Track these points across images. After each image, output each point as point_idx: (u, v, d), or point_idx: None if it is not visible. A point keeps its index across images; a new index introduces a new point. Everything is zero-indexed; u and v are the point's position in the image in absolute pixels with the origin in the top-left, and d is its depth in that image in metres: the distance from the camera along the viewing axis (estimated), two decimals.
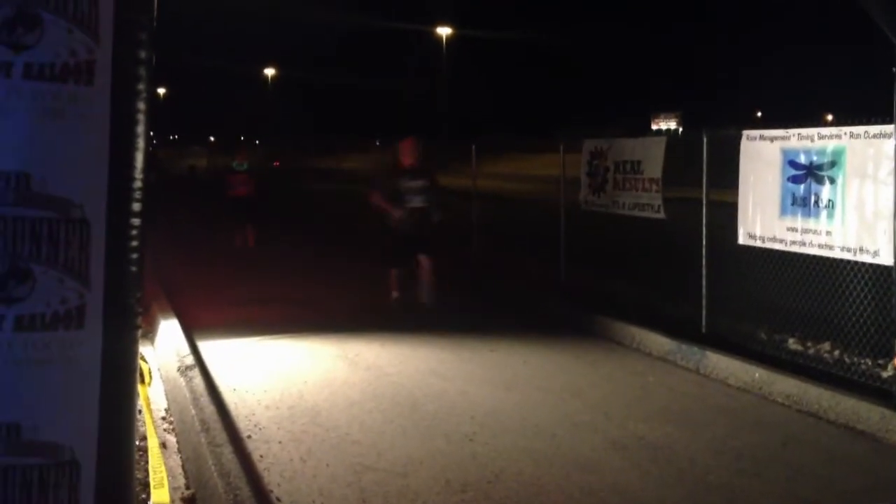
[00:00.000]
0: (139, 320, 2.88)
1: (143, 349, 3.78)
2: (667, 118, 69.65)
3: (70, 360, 2.58)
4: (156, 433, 4.00)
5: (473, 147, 14.18)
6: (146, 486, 4.43)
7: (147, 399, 3.68)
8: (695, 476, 5.18)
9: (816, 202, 7.12)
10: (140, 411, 3.72)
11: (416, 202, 9.74)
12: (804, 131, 7.30)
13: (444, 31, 55.52)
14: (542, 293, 10.70)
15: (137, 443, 4.11)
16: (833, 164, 6.96)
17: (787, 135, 7.48)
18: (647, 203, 9.55)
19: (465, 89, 74.33)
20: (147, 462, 4.78)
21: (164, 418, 6.25)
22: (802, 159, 7.27)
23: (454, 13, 64.19)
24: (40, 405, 2.55)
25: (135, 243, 2.74)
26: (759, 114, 69.76)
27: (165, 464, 4.77)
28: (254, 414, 6.24)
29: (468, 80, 78.09)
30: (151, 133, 2.91)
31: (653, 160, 9.50)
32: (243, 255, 15.02)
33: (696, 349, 7.73)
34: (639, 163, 9.71)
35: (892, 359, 6.29)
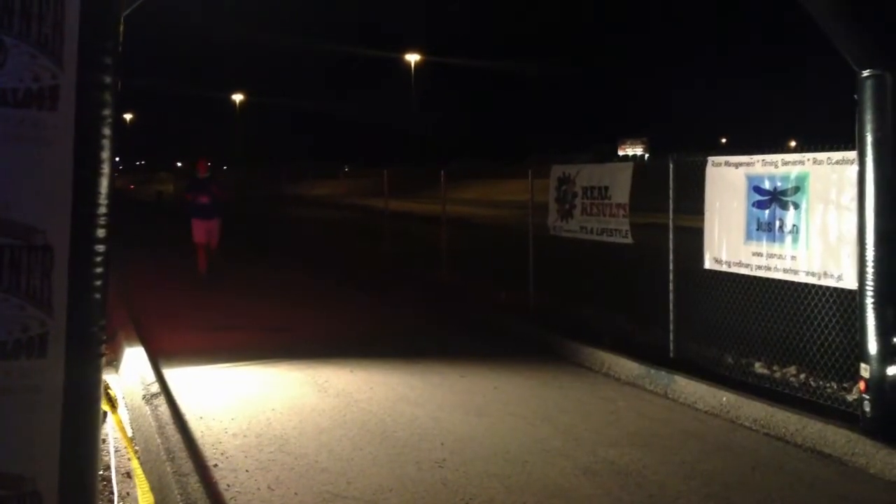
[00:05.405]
0: (103, 348, 2.83)
1: (108, 376, 3.72)
2: (633, 144, 70.43)
3: (31, 390, 2.53)
4: (136, 456, 3.93)
5: (443, 173, 14.25)
6: None
7: (121, 424, 3.63)
8: (665, 501, 5.18)
9: (781, 227, 7.20)
10: (104, 440, 3.65)
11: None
12: (768, 157, 7.39)
13: (412, 58, 55.89)
14: (511, 318, 10.71)
15: (102, 472, 4.03)
16: (797, 189, 7.06)
17: (752, 161, 7.57)
18: (615, 228, 9.63)
19: (436, 116, 74.77)
20: (112, 492, 4.70)
21: None
22: (767, 185, 7.36)
23: (428, 42, 64.79)
24: (1, 435, 2.49)
25: (99, 270, 2.70)
26: (724, 140, 70.75)
27: (136, 490, 4.69)
28: (220, 442, 6.16)
29: (439, 106, 78.56)
30: (117, 159, 2.86)
31: (620, 186, 9.60)
32: None
33: (664, 374, 7.76)
34: (606, 188, 9.80)
35: (857, 382, 6.35)
